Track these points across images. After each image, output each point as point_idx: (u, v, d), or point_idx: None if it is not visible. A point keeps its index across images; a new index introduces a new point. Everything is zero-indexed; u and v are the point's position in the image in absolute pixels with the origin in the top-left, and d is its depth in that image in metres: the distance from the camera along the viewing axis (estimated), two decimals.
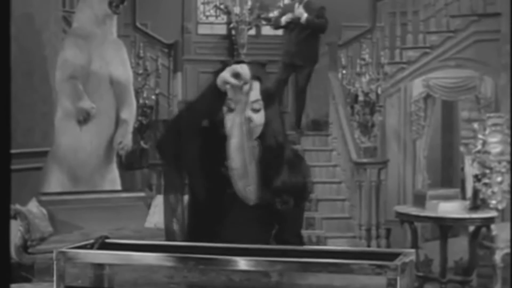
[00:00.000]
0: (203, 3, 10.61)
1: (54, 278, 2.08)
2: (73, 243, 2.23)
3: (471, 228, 6.18)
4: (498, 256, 6.16)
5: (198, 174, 2.50)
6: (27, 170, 6.21)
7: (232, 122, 2.37)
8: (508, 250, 6.14)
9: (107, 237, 2.28)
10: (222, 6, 10.23)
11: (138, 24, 8.67)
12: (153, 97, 8.12)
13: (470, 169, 6.54)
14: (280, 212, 2.51)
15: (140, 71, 8.05)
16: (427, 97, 8.61)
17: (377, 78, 8.36)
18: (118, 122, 6.43)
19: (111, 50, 6.45)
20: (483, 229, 6.13)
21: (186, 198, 2.61)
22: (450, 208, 5.97)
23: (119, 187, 6.53)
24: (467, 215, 6.01)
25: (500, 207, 6.48)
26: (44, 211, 5.66)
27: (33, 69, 6.75)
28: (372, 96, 8.20)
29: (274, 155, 2.50)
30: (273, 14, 9.70)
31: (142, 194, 6.37)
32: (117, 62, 6.47)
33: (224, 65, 2.46)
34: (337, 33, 9.54)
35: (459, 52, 8.53)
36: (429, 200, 6.00)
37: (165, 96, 8.55)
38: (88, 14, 6.39)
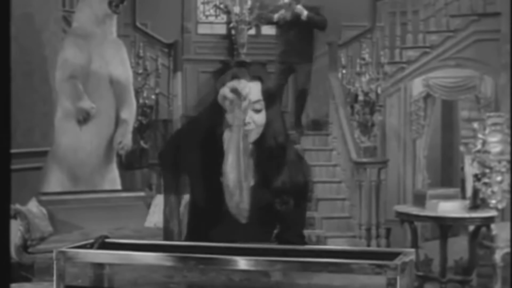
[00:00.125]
0: (203, 3, 10.60)
1: (54, 277, 2.08)
2: (73, 242, 2.23)
3: (471, 228, 6.18)
4: (498, 256, 6.16)
5: (198, 183, 2.53)
6: (27, 170, 6.21)
7: (229, 139, 2.35)
8: (508, 250, 6.14)
9: (107, 237, 2.28)
10: (222, 6, 10.22)
11: (138, 24, 8.67)
12: (153, 96, 8.12)
13: (470, 168, 6.54)
14: (281, 212, 2.51)
15: (140, 71, 8.05)
16: (427, 97, 8.61)
17: (377, 77, 8.36)
18: (118, 122, 6.43)
19: (111, 50, 6.45)
20: (483, 229, 6.13)
21: (186, 198, 2.62)
22: (450, 208, 5.97)
23: (119, 187, 6.54)
24: (467, 215, 6.00)
25: (500, 206, 6.47)
26: (44, 210, 5.66)
27: (33, 69, 6.75)
28: (372, 96, 8.20)
29: (275, 155, 2.50)
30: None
31: (142, 193, 6.37)
32: (117, 62, 6.48)
33: (224, 64, 2.46)
34: (337, 33, 9.53)
35: (459, 52, 8.53)
36: (429, 199, 6.00)
37: (165, 96, 8.55)
38: (88, 14, 6.39)
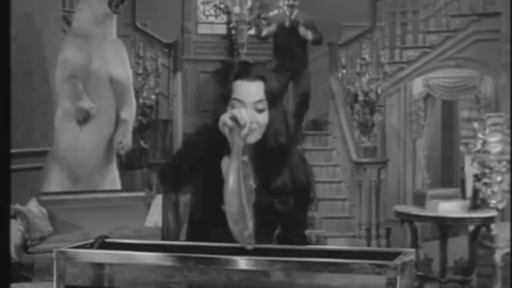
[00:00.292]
0: (203, 3, 10.61)
1: (54, 277, 2.09)
2: (73, 242, 2.23)
3: (471, 228, 6.18)
4: (498, 256, 6.16)
5: (198, 207, 2.55)
6: (27, 170, 6.21)
7: (229, 166, 2.32)
8: (508, 250, 6.13)
9: (107, 237, 2.28)
10: (222, 6, 10.22)
11: (138, 24, 8.67)
12: (153, 96, 8.12)
13: (470, 168, 6.54)
14: (282, 213, 2.51)
15: (140, 71, 8.05)
16: (427, 97, 8.61)
17: (377, 77, 8.36)
18: (118, 121, 6.43)
19: (111, 50, 6.45)
20: (483, 229, 6.13)
21: (185, 198, 2.63)
22: (450, 208, 5.97)
23: (119, 187, 6.53)
24: (467, 215, 6.00)
25: (500, 206, 6.47)
26: (44, 210, 5.66)
27: (33, 69, 6.75)
28: (372, 96, 8.20)
29: (278, 155, 2.49)
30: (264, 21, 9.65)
31: (142, 193, 6.37)
32: (117, 62, 6.48)
33: (224, 64, 2.46)
34: (337, 33, 9.54)
35: (459, 52, 8.53)
36: (429, 199, 6.00)
37: (165, 96, 8.55)
38: (88, 14, 6.39)
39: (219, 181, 2.37)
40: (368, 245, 7.41)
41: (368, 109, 8.15)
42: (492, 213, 6.13)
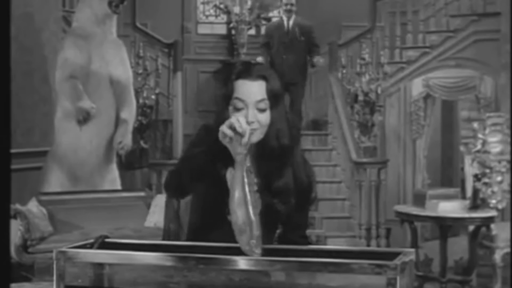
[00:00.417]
0: (203, 3, 10.61)
1: (54, 277, 2.09)
2: (73, 242, 2.23)
3: (471, 228, 6.18)
4: (498, 256, 6.16)
5: (200, 216, 2.55)
6: (27, 170, 6.21)
7: (233, 176, 2.29)
8: (508, 250, 6.14)
9: (107, 237, 2.28)
10: (222, 6, 10.23)
11: (138, 24, 8.67)
12: (153, 96, 8.12)
13: (470, 168, 6.54)
14: (283, 213, 2.50)
15: (140, 71, 8.06)
16: (427, 97, 8.60)
17: (377, 77, 8.36)
18: (118, 121, 6.44)
19: (111, 50, 6.45)
20: (483, 229, 6.13)
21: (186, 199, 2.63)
22: (450, 208, 5.97)
23: (119, 187, 6.54)
24: (467, 215, 6.00)
25: (500, 206, 6.47)
26: (44, 210, 5.66)
27: (33, 69, 6.75)
28: (372, 96, 8.20)
29: (279, 155, 2.49)
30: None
31: (142, 193, 6.37)
32: (117, 62, 6.48)
33: (224, 64, 2.45)
34: (337, 33, 9.54)
35: (459, 52, 8.53)
36: (429, 199, 6.00)
37: (165, 96, 8.56)
38: (88, 14, 6.39)
39: (221, 189, 2.36)
40: (368, 245, 7.41)
41: (368, 109, 8.15)
42: (492, 213, 6.13)
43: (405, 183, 8.59)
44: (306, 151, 8.30)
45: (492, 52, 8.08)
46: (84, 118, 6.22)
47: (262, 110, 2.45)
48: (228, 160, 2.31)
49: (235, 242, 2.21)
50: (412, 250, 2.07)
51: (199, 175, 2.42)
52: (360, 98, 8.18)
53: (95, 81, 6.32)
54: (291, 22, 8.56)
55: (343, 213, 8.03)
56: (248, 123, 2.34)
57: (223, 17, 10.44)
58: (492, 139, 6.59)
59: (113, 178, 6.52)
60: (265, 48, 8.61)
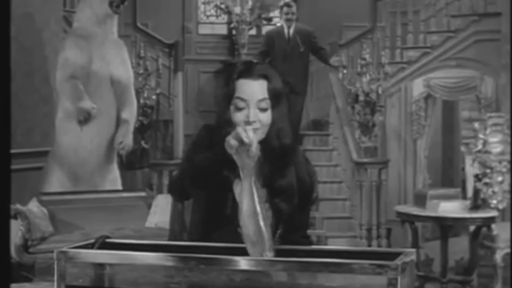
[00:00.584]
0: (203, 3, 10.61)
1: (55, 277, 2.09)
2: (74, 242, 2.23)
3: (472, 228, 6.18)
4: (498, 256, 6.16)
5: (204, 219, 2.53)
6: (27, 170, 6.21)
7: (241, 188, 2.26)
8: (508, 250, 6.14)
9: (107, 237, 2.28)
10: (222, 6, 10.22)
11: (138, 24, 8.68)
12: (154, 97, 8.12)
13: (471, 169, 6.54)
14: (284, 213, 2.50)
15: (141, 71, 8.05)
16: (427, 97, 8.60)
17: (377, 78, 8.35)
18: (118, 122, 6.43)
19: (111, 50, 6.45)
20: (484, 229, 6.13)
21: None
22: (451, 208, 5.97)
23: (119, 187, 6.53)
24: (467, 215, 6.01)
25: (500, 206, 6.48)
26: (45, 211, 5.66)
27: (34, 69, 6.76)
28: (373, 96, 8.19)
29: (281, 155, 2.48)
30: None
31: (142, 194, 6.37)
32: (118, 62, 6.48)
33: (225, 64, 2.44)
34: (337, 33, 9.54)
35: (460, 52, 8.52)
36: (429, 199, 6.00)
37: (165, 96, 8.56)
38: (89, 14, 6.39)
39: (224, 191, 2.37)
40: (369, 245, 7.42)
41: (369, 109, 8.15)
42: (493, 213, 6.14)
43: (406, 183, 8.59)
44: (307, 151, 8.30)
45: (493, 52, 8.08)
46: (85, 118, 6.22)
47: (263, 110, 2.44)
48: (234, 166, 2.28)
49: (236, 242, 2.21)
50: (413, 250, 2.07)
51: (203, 182, 2.41)
52: (361, 98, 8.17)
53: (96, 81, 6.32)
54: (291, 30, 8.50)
55: (344, 213, 8.03)
56: (250, 122, 2.34)
57: (224, 17, 10.44)
58: (493, 139, 6.59)
59: (114, 178, 6.52)
60: (263, 56, 8.51)
